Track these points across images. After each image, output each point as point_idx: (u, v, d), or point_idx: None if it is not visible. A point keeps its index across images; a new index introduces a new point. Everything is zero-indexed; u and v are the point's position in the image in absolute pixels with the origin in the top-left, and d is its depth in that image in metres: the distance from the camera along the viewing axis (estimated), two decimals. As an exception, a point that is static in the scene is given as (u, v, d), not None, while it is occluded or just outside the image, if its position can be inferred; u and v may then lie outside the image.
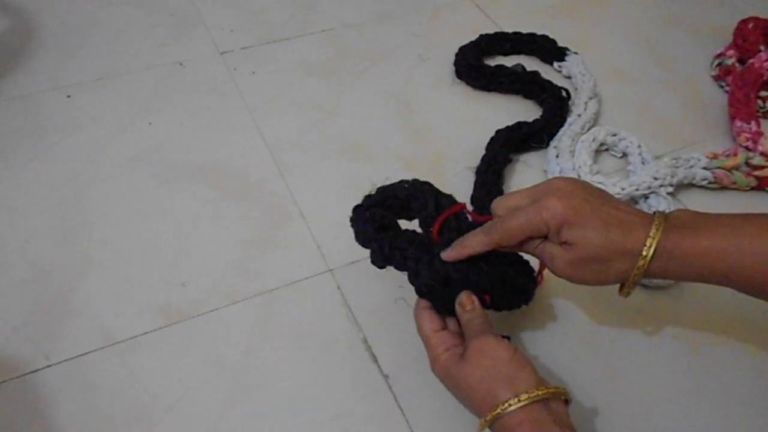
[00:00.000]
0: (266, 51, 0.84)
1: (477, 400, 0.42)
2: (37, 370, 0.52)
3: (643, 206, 0.66)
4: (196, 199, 0.65)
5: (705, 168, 0.68)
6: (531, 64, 0.84)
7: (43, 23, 0.86)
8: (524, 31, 0.86)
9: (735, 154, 0.69)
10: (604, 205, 0.44)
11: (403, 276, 0.48)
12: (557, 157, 0.69)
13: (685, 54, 0.88)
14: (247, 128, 0.73)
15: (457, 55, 0.82)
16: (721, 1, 0.98)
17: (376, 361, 0.54)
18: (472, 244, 0.46)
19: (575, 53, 0.83)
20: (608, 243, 0.43)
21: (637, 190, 0.65)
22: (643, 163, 0.69)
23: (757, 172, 0.69)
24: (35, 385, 0.51)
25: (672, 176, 0.66)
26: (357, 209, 0.51)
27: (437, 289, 0.47)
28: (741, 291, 0.44)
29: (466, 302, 0.47)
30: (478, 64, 0.81)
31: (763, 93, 0.78)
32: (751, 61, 0.79)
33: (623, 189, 0.65)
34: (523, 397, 0.41)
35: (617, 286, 0.47)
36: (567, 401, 0.43)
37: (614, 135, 0.72)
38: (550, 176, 0.69)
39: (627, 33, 0.91)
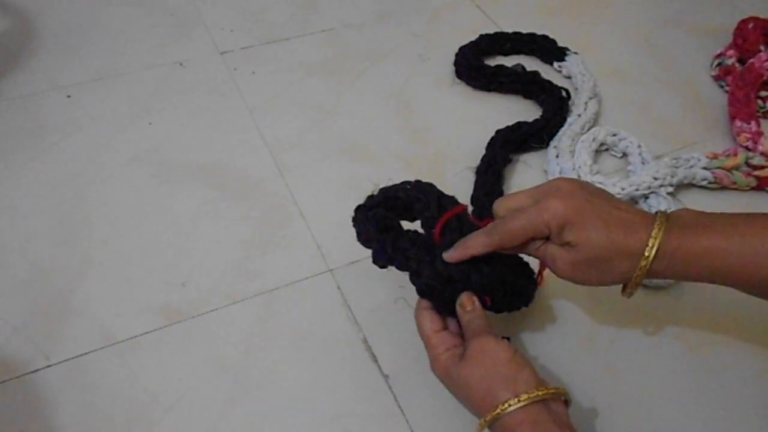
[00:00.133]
0: (266, 51, 0.84)
1: (477, 400, 0.42)
2: (37, 370, 0.52)
3: (643, 206, 0.66)
4: (196, 199, 0.65)
5: (705, 168, 0.68)
6: (531, 64, 0.84)
7: (43, 23, 0.86)
8: (524, 31, 0.86)
9: (735, 154, 0.69)
10: (606, 205, 0.44)
11: (404, 276, 0.48)
12: (557, 157, 0.69)
13: (685, 54, 0.88)
14: (247, 128, 0.73)
15: (457, 55, 0.82)
16: (721, 1, 0.98)
17: (376, 361, 0.54)
18: (474, 245, 0.46)
19: (575, 53, 0.83)
20: (610, 243, 0.43)
21: (637, 190, 0.65)
22: (643, 163, 0.69)
23: (757, 172, 0.69)
24: (35, 385, 0.51)
25: (672, 176, 0.66)
26: (359, 209, 0.51)
27: (438, 290, 0.47)
28: (743, 291, 0.44)
29: (467, 303, 0.47)
30: (478, 64, 0.81)
31: (763, 93, 0.78)
32: (751, 61, 0.79)
33: (623, 189, 0.65)
34: (523, 397, 0.41)
35: (619, 287, 0.47)
36: (567, 402, 0.43)
37: (614, 135, 0.72)
38: (550, 176, 0.69)
39: (627, 33, 0.91)
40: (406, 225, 0.51)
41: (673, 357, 0.55)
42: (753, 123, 0.74)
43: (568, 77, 0.82)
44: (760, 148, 0.71)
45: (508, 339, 0.45)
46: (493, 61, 0.83)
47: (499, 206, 0.47)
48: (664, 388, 0.53)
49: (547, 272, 0.49)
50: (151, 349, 0.54)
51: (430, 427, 0.50)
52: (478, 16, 0.92)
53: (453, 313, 0.48)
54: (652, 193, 0.66)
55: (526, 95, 0.79)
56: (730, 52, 0.84)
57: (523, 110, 0.77)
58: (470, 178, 0.68)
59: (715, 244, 0.42)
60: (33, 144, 0.70)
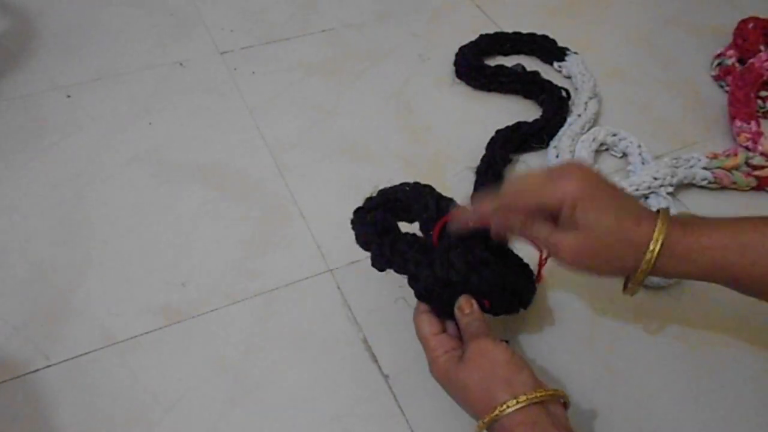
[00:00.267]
0: (266, 51, 0.84)
1: (475, 402, 0.42)
2: (37, 370, 0.52)
3: (643, 206, 0.66)
4: (196, 199, 0.65)
5: (705, 168, 0.68)
6: (531, 64, 0.84)
7: (43, 23, 0.86)
8: (524, 31, 0.86)
9: (735, 154, 0.69)
10: (616, 193, 0.45)
11: (404, 276, 0.48)
12: (557, 157, 0.69)
13: (685, 54, 0.88)
14: (247, 128, 0.73)
15: (457, 55, 0.82)
16: (721, 1, 0.98)
17: (376, 361, 0.54)
18: (485, 203, 0.46)
19: (575, 53, 0.83)
20: (618, 230, 0.43)
21: (637, 190, 0.65)
22: (643, 163, 0.69)
23: (757, 172, 0.69)
24: (35, 385, 0.51)
25: (672, 176, 0.66)
26: (358, 212, 0.51)
27: (437, 293, 0.47)
28: (743, 290, 0.44)
29: (465, 306, 0.47)
30: (478, 64, 0.81)
31: (763, 93, 0.78)
32: (751, 61, 0.79)
33: (623, 189, 0.65)
34: (522, 398, 0.41)
35: (620, 286, 0.47)
36: (566, 404, 0.43)
37: (614, 135, 0.72)
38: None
39: (627, 33, 0.91)
40: (404, 227, 0.51)
41: (673, 357, 0.55)
42: (753, 123, 0.74)
43: (568, 77, 0.82)
44: (760, 148, 0.71)
45: (506, 342, 0.45)
46: (493, 61, 0.83)
47: (512, 179, 0.47)
48: (664, 388, 0.53)
49: (546, 273, 0.49)
50: (151, 349, 0.54)
51: (430, 427, 0.50)
52: (478, 16, 0.92)
53: (451, 316, 0.48)
54: (652, 193, 0.66)
55: (526, 95, 0.79)
56: (730, 52, 0.84)
57: (523, 110, 0.77)
58: (470, 178, 0.68)
59: (715, 240, 0.42)
60: (33, 144, 0.70)
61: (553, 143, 0.71)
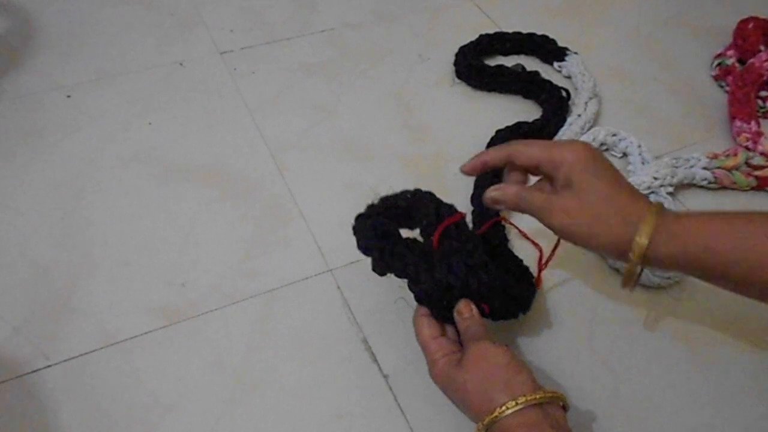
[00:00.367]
0: (266, 51, 0.84)
1: (474, 404, 0.42)
2: (37, 370, 0.52)
3: (643, 206, 0.66)
4: (196, 199, 0.65)
5: (705, 168, 0.68)
6: (531, 64, 0.84)
7: (43, 23, 0.85)
8: (524, 31, 0.86)
9: (735, 154, 0.69)
10: (616, 172, 0.46)
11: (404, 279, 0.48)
12: (557, 157, 0.69)
13: (685, 54, 0.88)
14: (247, 128, 0.73)
15: (457, 55, 0.82)
16: (721, 1, 0.98)
17: (376, 361, 0.54)
18: (488, 153, 0.49)
19: (575, 53, 0.83)
20: (614, 201, 0.44)
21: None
22: (643, 163, 0.69)
23: (757, 172, 0.69)
24: (35, 385, 0.51)
25: (672, 176, 0.66)
26: (359, 218, 0.51)
27: (436, 297, 0.47)
28: (738, 286, 0.44)
29: (464, 309, 0.47)
30: (478, 64, 0.81)
31: (763, 93, 0.78)
32: (751, 61, 0.79)
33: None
34: (521, 400, 0.41)
35: (620, 286, 0.47)
36: (565, 407, 0.43)
37: (614, 135, 0.72)
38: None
39: (627, 33, 0.91)
40: (406, 233, 0.51)
41: (673, 357, 0.55)
42: (753, 123, 0.74)
43: (568, 77, 0.82)
44: (760, 148, 0.71)
45: (505, 345, 0.45)
46: (493, 61, 0.83)
47: (516, 141, 0.49)
48: (664, 388, 0.53)
49: (545, 274, 0.49)
50: (151, 349, 0.54)
51: (430, 427, 0.50)
52: (478, 16, 0.92)
53: (451, 320, 0.48)
54: (652, 193, 0.66)
55: (526, 95, 0.79)
56: (730, 52, 0.84)
57: (523, 110, 0.77)
58: (470, 178, 0.68)
59: (709, 226, 0.43)
60: (33, 144, 0.70)
61: (553, 143, 0.72)
